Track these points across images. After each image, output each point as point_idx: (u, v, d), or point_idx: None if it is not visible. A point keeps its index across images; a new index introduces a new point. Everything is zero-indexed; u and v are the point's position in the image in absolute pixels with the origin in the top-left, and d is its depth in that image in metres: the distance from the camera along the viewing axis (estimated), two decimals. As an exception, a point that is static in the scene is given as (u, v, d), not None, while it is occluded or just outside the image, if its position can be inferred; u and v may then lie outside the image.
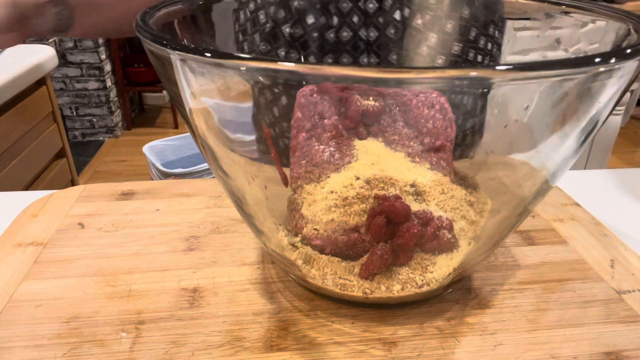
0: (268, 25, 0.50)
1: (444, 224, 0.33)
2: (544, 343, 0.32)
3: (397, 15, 0.53)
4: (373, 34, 0.52)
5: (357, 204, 0.33)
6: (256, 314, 0.35)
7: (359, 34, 0.52)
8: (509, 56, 0.48)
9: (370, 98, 0.34)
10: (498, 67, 0.21)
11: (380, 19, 0.52)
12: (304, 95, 0.34)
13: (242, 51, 0.54)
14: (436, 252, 0.33)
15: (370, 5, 0.51)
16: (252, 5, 0.44)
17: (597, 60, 0.22)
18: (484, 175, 0.35)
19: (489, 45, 0.55)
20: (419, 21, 0.53)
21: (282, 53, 0.52)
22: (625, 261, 0.40)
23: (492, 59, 0.56)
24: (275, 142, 0.33)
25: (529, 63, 0.21)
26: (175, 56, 0.25)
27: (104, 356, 0.31)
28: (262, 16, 0.49)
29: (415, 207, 0.32)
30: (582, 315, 0.35)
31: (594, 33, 0.36)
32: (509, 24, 0.47)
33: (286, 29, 0.50)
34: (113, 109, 2.79)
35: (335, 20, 0.51)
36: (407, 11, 0.53)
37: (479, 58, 0.54)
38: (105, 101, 2.75)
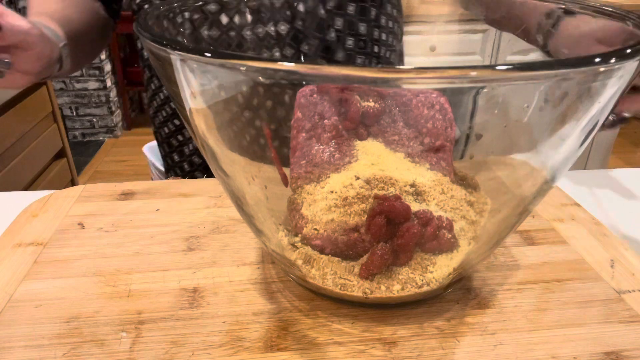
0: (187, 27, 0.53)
1: (444, 224, 0.33)
2: (544, 343, 0.32)
3: (301, 7, 0.56)
4: (284, 27, 0.56)
5: (357, 204, 0.32)
6: (256, 314, 0.35)
7: (268, 29, 0.55)
8: (509, 56, 0.48)
9: (370, 100, 0.34)
10: (498, 67, 0.21)
11: (288, 12, 0.55)
12: (304, 96, 0.34)
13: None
14: (436, 252, 0.33)
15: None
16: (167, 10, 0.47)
17: (597, 60, 0.22)
18: (484, 175, 0.35)
19: (390, 24, 0.61)
20: (322, 10, 0.57)
21: None
22: (625, 261, 0.40)
23: (394, 36, 0.62)
24: (275, 142, 0.33)
25: (529, 63, 0.21)
26: (175, 56, 0.25)
27: (104, 356, 0.31)
28: (179, 19, 0.52)
29: (415, 207, 0.32)
30: (582, 315, 0.35)
31: (594, 33, 0.36)
32: (509, 24, 0.47)
33: (204, 32, 0.52)
34: (113, 109, 2.79)
35: (249, 17, 0.55)
36: (310, 2, 0.56)
37: (384, 36, 0.61)
38: (105, 101, 2.75)
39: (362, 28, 0.60)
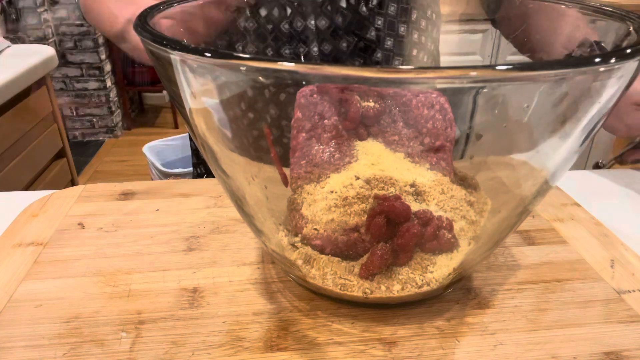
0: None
1: (444, 224, 0.33)
2: (544, 343, 0.32)
3: (343, 3, 0.56)
4: (324, 22, 0.55)
5: (357, 204, 0.32)
6: (256, 314, 0.35)
7: (307, 23, 0.55)
8: (509, 56, 0.48)
9: (370, 100, 0.34)
10: (498, 67, 0.21)
11: (329, 7, 0.55)
12: (304, 96, 0.34)
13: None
14: (436, 252, 0.33)
15: None
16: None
17: (597, 60, 0.22)
18: (484, 175, 0.35)
19: (429, 28, 0.60)
20: (364, 8, 0.56)
21: (239, 47, 0.54)
22: (625, 261, 0.40)
23: (433, 42, 0.61)
24: (275, 142, 0.33)
25: (529, 63, 0.21)
26: (175, 56, 0.25)
27: (104, 356, 0.31)
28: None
29: (415, 207, 0.32)
30: (582, 315, 0.35)
31: (594, 33, 0.36)
32: (509, 24, 0.46)
33: (241, 23, 0.52)
34: (113, 109, 2.79)
35: (288, 10, 0.54)
36: None
37: (423, 39, 0.60)
38: (105, 101, 2.75)
39: (402, 29, 0.59)
